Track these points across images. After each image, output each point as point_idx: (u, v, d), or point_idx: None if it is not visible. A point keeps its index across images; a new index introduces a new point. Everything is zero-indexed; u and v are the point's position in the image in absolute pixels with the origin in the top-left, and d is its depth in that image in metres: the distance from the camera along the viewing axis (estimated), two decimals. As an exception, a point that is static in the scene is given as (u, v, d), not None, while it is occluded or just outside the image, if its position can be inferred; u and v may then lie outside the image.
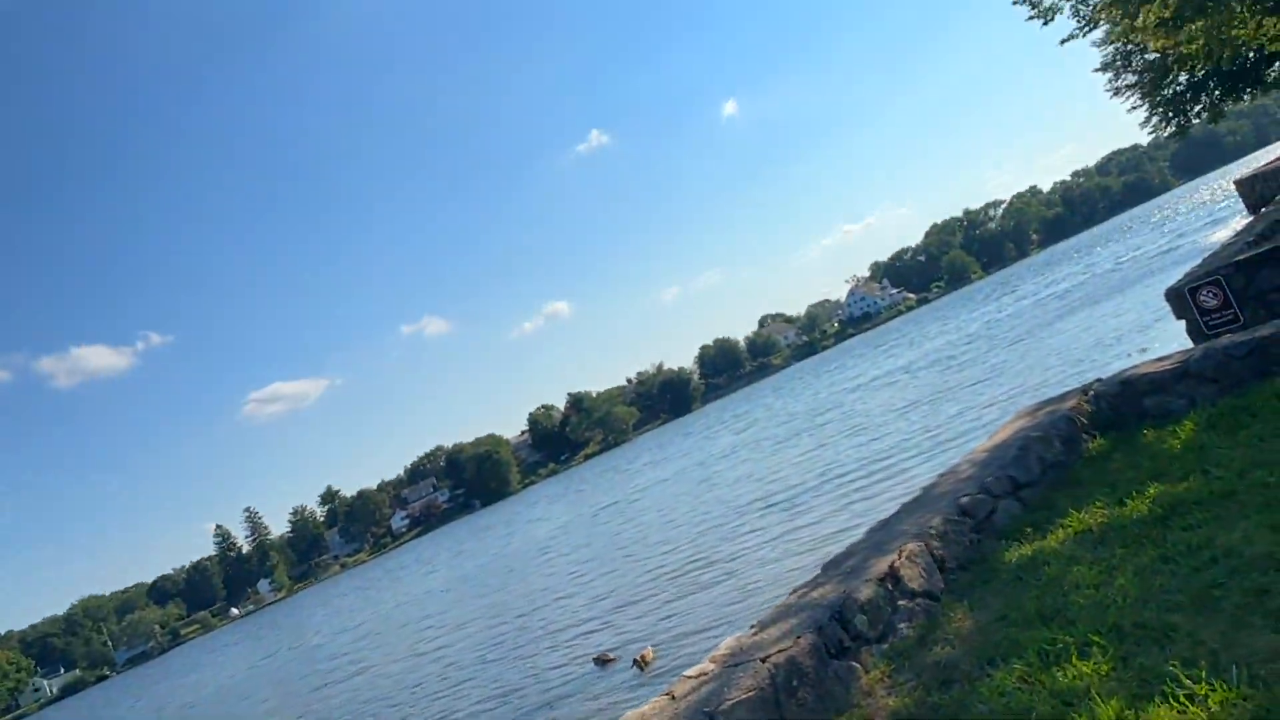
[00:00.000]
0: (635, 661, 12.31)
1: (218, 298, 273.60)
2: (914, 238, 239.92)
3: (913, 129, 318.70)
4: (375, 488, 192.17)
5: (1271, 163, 49.23)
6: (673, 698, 5.06)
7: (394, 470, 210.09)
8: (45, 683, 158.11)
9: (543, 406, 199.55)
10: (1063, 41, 20.05)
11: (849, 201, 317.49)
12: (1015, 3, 16.90)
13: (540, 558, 34.99)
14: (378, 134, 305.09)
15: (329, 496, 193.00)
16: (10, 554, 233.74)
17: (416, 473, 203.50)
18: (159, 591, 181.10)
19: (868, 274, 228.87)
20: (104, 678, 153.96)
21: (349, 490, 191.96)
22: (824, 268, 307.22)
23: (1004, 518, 6.76)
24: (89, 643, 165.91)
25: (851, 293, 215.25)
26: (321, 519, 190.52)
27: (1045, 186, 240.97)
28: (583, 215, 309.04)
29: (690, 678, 5.29)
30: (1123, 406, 8.15)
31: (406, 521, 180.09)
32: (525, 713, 12.59)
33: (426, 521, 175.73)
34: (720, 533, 19.86)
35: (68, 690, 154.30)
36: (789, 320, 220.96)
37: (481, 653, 18.96)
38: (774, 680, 4.74)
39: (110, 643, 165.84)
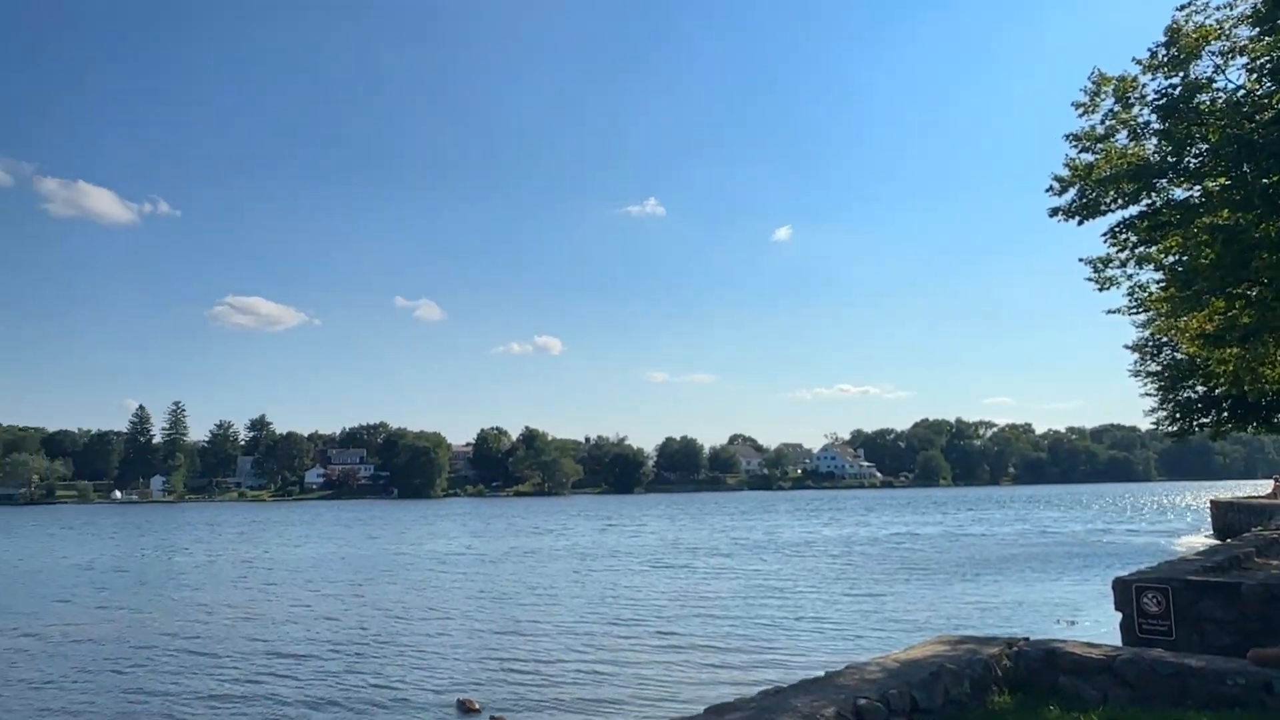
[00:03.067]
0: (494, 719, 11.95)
1: (232, 181, 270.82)
2: (903, 422, 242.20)
3: (947, 322, 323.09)
4: (306, 435, 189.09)
5: (1248, 497, 50.68)
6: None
7: (331, 426, 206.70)
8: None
9: (495, 428, 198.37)
10: (1108, 312, 20.74)
11: (859, 364, 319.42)
12: (1082, 260, 17.52)
13: (435, 571, 34.28)
14: (459, 129, 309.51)
15: (258, 424, 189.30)
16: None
17: (351, 438, 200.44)
18: (54, 444, 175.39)
19: (847, 438, 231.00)
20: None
21: (280, 427, 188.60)
22: (808, 415, 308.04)
23: (892, 734, 6.74)
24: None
25: (826, 449, 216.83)
26: (242, 443, 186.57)
27: (1039, 428, 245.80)
28: (609, 268, 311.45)
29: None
30: (1040, 674, 8.21)
31: (321, 479, 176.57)
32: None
33: (339, 488, 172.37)
34: (607, 632, 19.44)
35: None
36: (758, 448, 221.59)
37: (339, 650, 17.98)
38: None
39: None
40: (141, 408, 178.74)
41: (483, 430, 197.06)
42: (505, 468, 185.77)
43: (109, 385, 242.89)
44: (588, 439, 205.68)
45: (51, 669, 16.48)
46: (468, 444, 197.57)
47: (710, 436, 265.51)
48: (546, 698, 13.46)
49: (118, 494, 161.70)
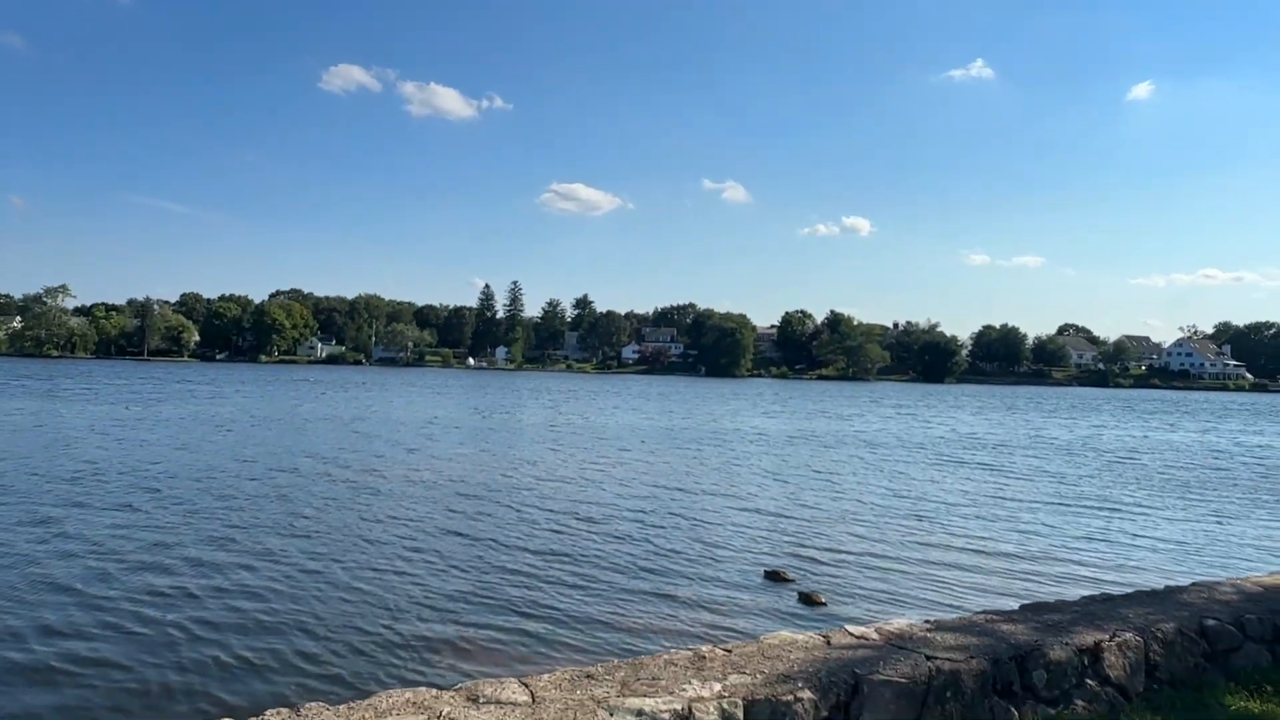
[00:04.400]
0: (803, 595, 12.33)
1: (556, 74, 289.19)
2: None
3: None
4: (623, 314, 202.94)
5: None
6: (828, 643, 5.22)
7: (644, 306, 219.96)
8: (320, 345, 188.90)
9: (800, 311, 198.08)
10: None
11: (1233, 246, 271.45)
12: None
13: (725, 446, 35.64)
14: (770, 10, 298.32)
15: (581, 303, 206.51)
16: (337, 233, 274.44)
17: (662, 317, 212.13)
18: (422, 317, 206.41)
19: (1209, 331, 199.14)
20: (359, 362, 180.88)
21: (600, 306, 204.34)
22: (1160, 303, 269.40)
23: (1246, 661, 6.05)
24: (360, 330, 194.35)
25: (1180, 343, 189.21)
26: (568, 319, 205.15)
27: None
28: (925, 141, 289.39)
29: (851, 634, 5.41)
30: None
31: (636, 355, 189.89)
32: (672, 584, 12.83)
33: (652, 364, 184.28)
34: (898, 526, 18.84)
35: (330, 359, 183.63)
36: (1093, 340, 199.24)
37: (636, 518, 18.83)
38: (930, 681, 4.74)
39: (374, 338, 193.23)
40: (487, 286, 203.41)
41: (787, 313, 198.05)
42: (809, 351, 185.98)
43: (459, 265, 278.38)
44: (896, 324, 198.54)
45: (396, 507, 19.44)
46: (772, 326, 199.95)
47: (1035, 326, 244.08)
48: (845, 583, 13.54)
49: (471, 361, 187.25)
